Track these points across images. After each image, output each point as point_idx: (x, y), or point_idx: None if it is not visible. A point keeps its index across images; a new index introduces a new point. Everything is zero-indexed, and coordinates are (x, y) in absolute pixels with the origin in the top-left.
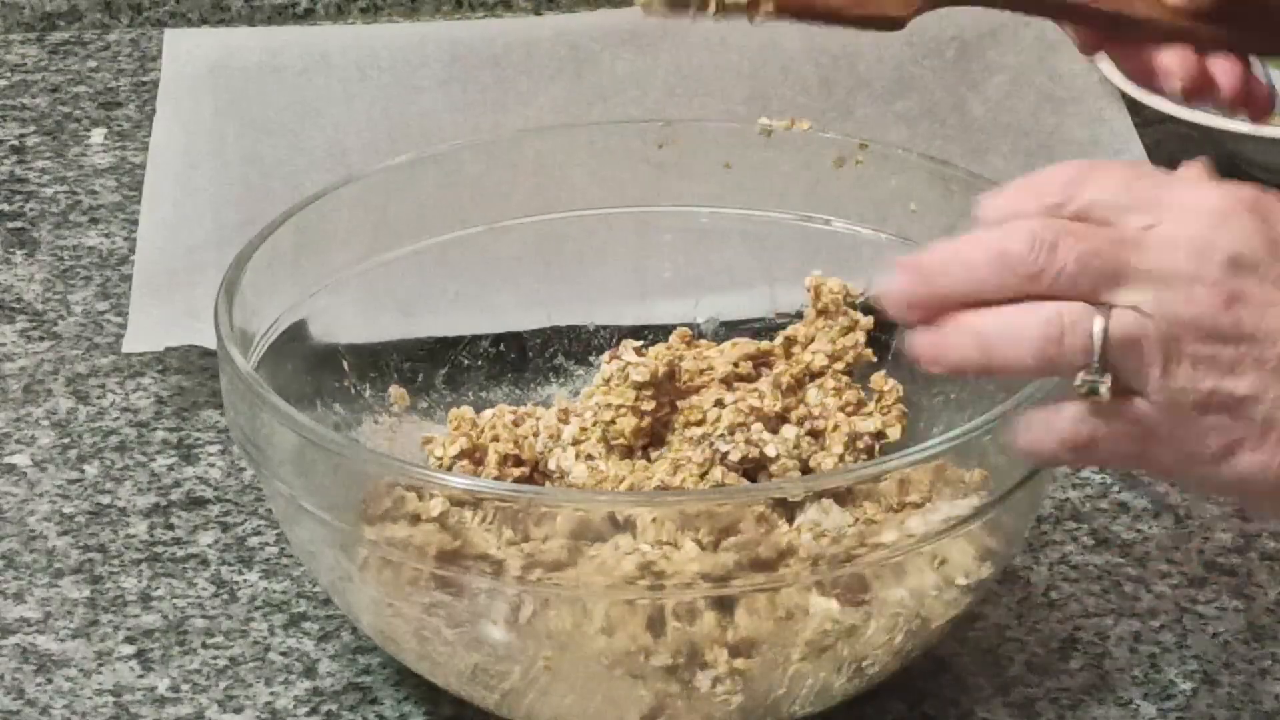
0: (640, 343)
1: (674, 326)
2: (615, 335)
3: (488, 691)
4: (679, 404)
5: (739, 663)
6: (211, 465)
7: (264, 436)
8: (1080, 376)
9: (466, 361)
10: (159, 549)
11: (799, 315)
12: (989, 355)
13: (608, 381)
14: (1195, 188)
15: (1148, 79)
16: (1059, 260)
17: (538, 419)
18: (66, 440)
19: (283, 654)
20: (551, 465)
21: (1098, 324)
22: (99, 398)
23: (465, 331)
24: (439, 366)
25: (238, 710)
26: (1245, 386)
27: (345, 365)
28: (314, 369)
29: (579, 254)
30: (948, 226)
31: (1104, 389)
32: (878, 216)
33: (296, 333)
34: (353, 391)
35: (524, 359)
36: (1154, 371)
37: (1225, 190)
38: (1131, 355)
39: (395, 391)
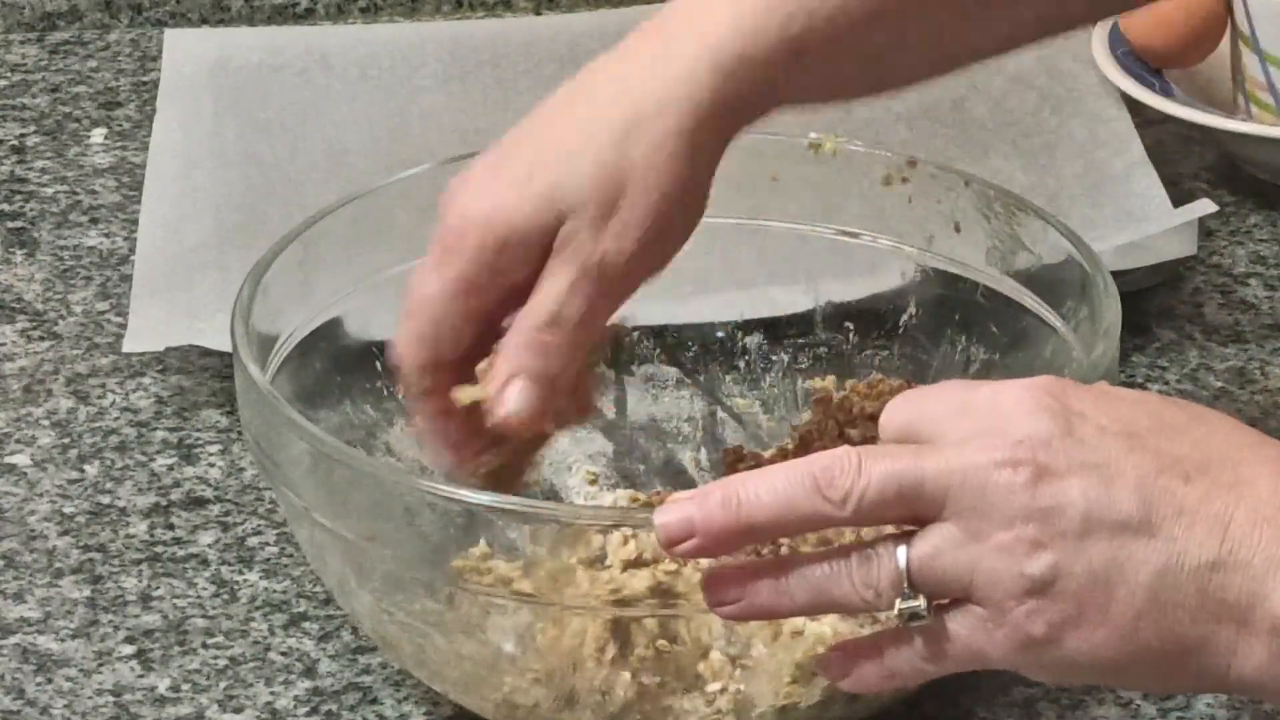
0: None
1: (715, 330)
2: (657, 345)
3: (483, 701)
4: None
5: (730, 682)
6: (211, 465)
7: (277, 446)
8: (897, 605)
9: None
10: (159, 549)
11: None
12: (813, 604)
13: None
14: (997, 390)
15: None
16: (862, 480)
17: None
18: (66, 440)
19: (283, 654)
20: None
21: (901, 554)
22: (99, 398)
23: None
24: None
25: (238, 710)
26: (1048, 564)
27: (378, 366)
28: (345, 370)
29: None
30: (990, 248)
31: (924, 609)
32: (923, 235)
33: (327, 332)
34: (385, 393)
35: None
36: (964, 574)
37: (1021, 383)
38: (936, 569)
39: None
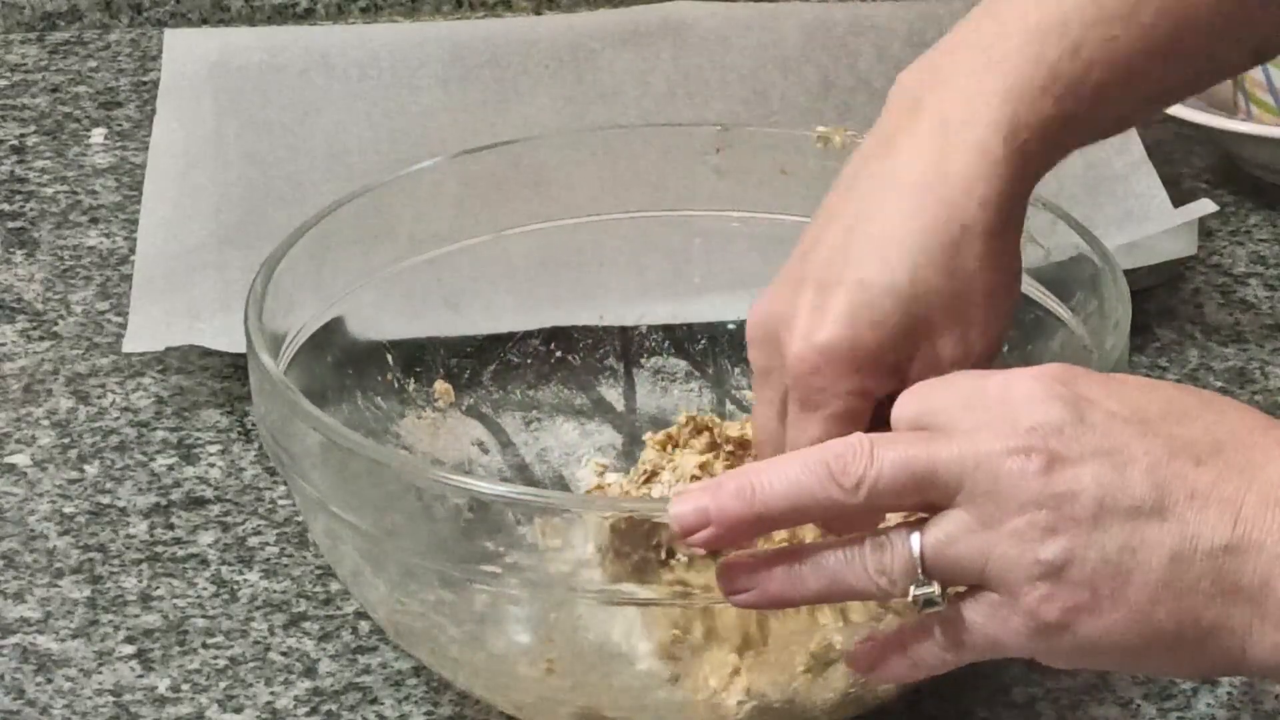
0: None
1: (725, 323)
2: (666, 338)
3: (497, 692)
4: None
5: (745, 674)
6: (211, 465)
7: (292, 438)
8: (912, 592)
9: (515, 359)
10: (159, 549)
11: None
12: (827, 592)
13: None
14: (1008, 379)
15: None
16: (875, 467)
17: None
18: (66, 440)
19: (283, 654)
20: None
21: (914, 540)
22: (99, 398)
23: (513, 328)
24: (487, 363)
25: (238, 710)
26: (1061, 550)
27: (389, 359)
28: (356, 363)
29: (632, 254)
30: None
31: (938, 596)
32: None
33: (338, 326)
34: (396, 385)
35: (574, 359)
36: (978, 560)
37: (1031, 371)
38: (950, 555)
39: (440, 386)
